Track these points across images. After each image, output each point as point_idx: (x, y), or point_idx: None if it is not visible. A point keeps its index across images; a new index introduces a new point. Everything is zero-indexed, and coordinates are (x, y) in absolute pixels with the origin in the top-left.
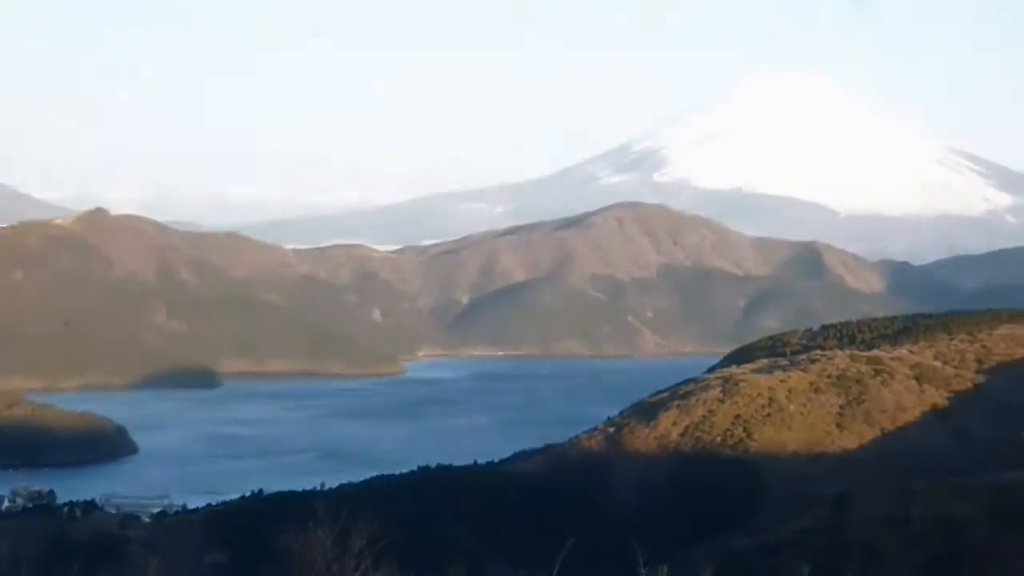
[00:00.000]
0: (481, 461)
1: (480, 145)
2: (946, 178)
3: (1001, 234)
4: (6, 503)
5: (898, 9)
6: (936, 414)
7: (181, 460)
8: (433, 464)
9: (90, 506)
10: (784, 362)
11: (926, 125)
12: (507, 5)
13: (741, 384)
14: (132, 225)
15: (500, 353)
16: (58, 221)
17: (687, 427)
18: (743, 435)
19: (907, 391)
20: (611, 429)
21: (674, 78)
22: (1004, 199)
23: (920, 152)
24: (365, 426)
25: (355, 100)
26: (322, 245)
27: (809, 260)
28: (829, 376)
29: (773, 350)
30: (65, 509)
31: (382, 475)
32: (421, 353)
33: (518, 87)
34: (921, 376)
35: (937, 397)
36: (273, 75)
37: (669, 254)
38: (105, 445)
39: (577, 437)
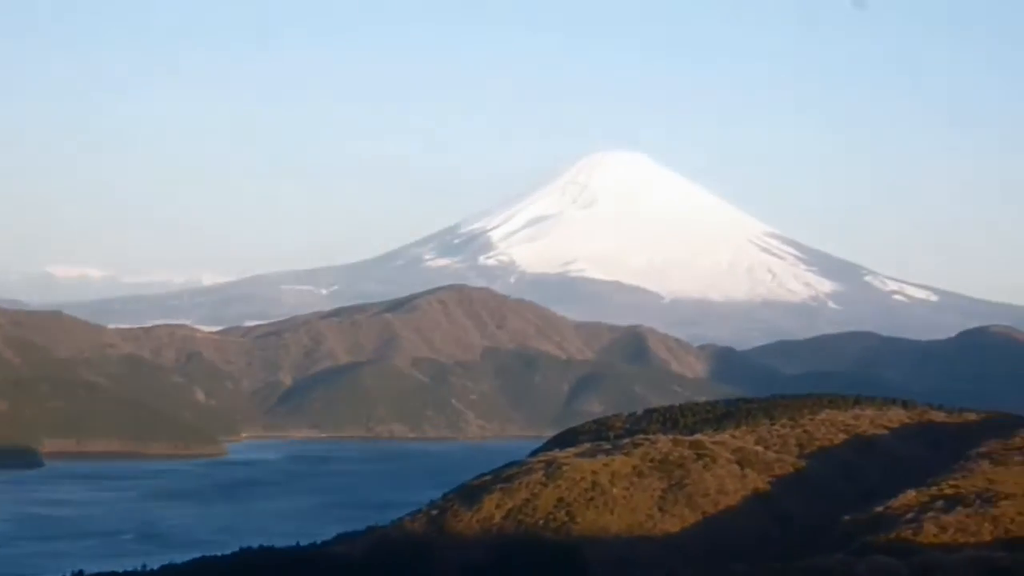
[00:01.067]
0: (303, 542)
1: (306, 227)
2: (769, 264)
3: (822, 319)
4: None
5: (720, 93)
6: (757, 498)
7: None
8: (255, 545)
9: None
10: (607, 446)
11: (749, 211)
12: (335, 81)
13: (564, 467)
14: None
15: (323, 435)
16: None
17: (510, 510)
18: (566, 518)
19: (729, 475)
20: (434, 511)
21: (502, 161)
22: (825, 285)
23: (743, 238)
24: (187, 507)
25: (178, 181)
26: (146, 325)
27: (633, 344)
28: (652, 460)
29: (597, 434)
30: None
31: (204, 556)
32: (244, 434)
33: (343, 168)
34: (743, 460)
35: (759, 481)
36: (95, 155)
37: (493, 337)
38: None
39: (400, 519)
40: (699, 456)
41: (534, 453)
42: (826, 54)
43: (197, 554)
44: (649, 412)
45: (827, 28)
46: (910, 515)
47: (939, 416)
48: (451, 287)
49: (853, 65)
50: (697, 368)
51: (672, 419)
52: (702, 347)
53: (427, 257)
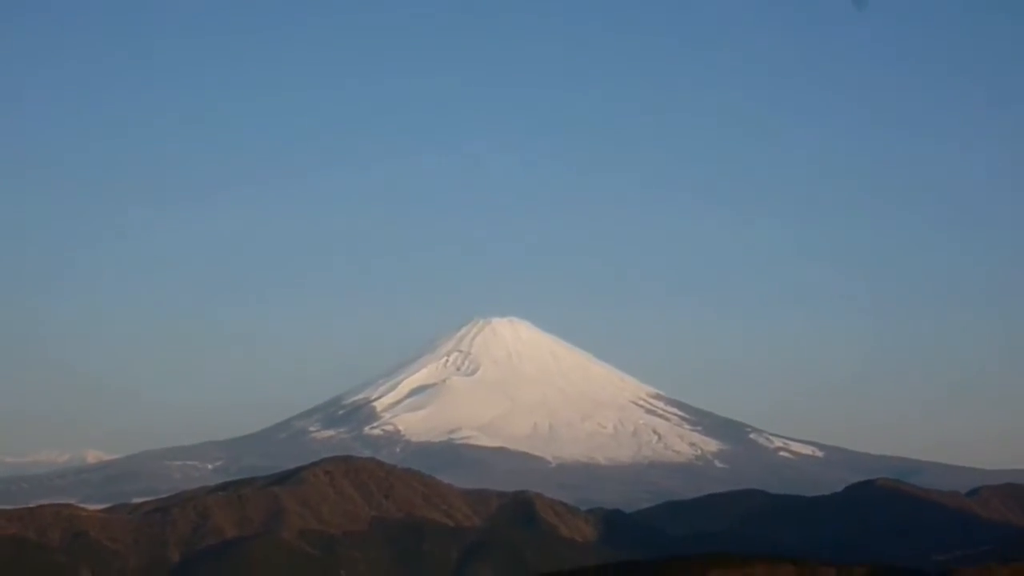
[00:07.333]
0: None
1: (190, 402)
2: (654, 425)
3: (708, 479)
4: None
5: (595, 259)
6: None
7: None
8: None
9: None
10: None
11: (633, 373)
12: (209, 255)
13: None
14: None
15: None
16: None
17: None
18: None
19: None
20: None
21: (384, 332)
22: (711, 444)
23: (627, 400)
24: None
25: (58, 358)
26: (30, 505)
27: (521, 510)
28: None
29: None
30: None
31: None
32: None
33: (224, 342)
34: None
35: None
36: None
37: (381, 507)
38: None
39: None
40: None
41: None
42: (691, 222)
43: None
44: None
45: (685, 197)
46: None
47: (829, 572)
48: (337, 458)
49: (723, 230)
50: (586, 532)
51: None
52: (590, 511)
53: (312, 429)
